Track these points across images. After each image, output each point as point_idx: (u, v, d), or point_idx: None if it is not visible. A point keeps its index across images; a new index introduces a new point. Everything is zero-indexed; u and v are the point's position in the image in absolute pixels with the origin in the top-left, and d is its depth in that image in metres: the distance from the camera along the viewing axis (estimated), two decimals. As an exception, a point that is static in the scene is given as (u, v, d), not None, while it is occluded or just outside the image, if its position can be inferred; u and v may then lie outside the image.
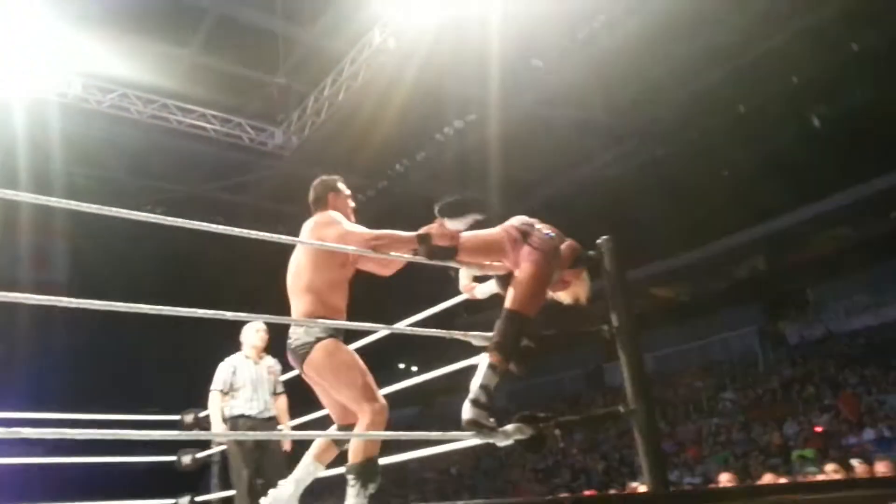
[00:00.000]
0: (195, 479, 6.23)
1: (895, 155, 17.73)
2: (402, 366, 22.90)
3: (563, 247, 2.90)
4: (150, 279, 18.46)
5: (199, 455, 5.47)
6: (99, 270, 18.41)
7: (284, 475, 4.34)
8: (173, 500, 5.38)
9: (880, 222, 19.84)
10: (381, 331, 3.35)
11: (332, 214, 3.30)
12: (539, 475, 17.67)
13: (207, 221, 2.51)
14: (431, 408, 25.54)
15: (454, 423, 2.75)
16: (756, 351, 19.54)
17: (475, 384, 2.70)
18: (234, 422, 4.71)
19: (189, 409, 5.50)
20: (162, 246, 17.91)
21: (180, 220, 2.36)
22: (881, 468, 4.87)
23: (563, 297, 3.07)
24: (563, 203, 18.43)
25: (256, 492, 4.27)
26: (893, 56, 15.63)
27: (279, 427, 4.87)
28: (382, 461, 3.06)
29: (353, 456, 2.88)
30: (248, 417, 4.70)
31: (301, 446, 4.96)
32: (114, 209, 2.18)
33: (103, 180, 16.15)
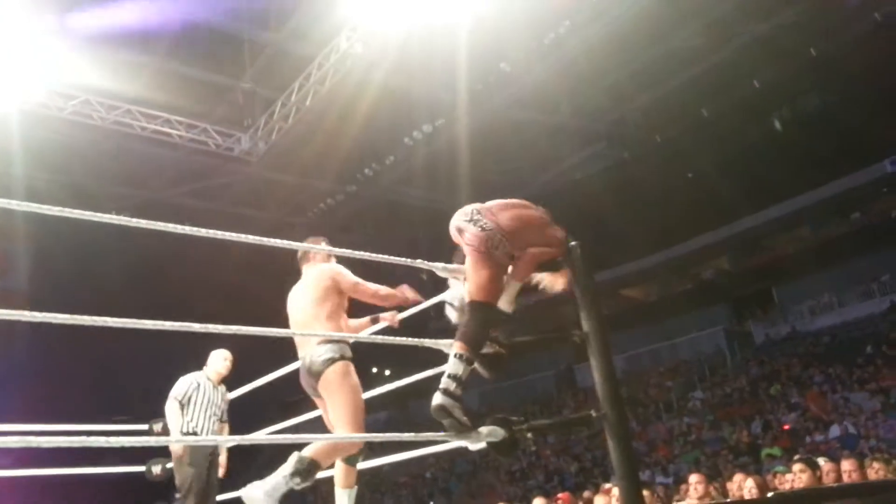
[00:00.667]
0: (166, 489, 6.15)
1: (855, 158, 18.18)
2: (375, 370, 22.81)
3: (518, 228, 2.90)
4: (115, 284, 18.23)
5: (169, 465, 5.40)
6: (63, 276, 18.11)
7: (214, 496, 4.81)
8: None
9: (842, 223, 20.31)
10: (354, 339, 3.39)
11: (340, 267, 3.63)
12: (513, 477, 17.72)
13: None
14: (405, 411, 25.50)
15: (427, 426, 2.75)
16: (724, 350, 19.83)
17: (445, 375, 2.71)
18: (188, 437, 4.85)
19: (158, 418, 5.46)
20: (128, 251, 17.63)
21: (144, 221, 2.30)
22: (847, 465, 4.95)
23: (548, 282, 3.01)
24: (534, 203, 18.48)
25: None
26: (851, 62, 16.01)
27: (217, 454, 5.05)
28: (361, 466, 3.10)
29: (308, 451, 3.03)
30: (195, 435, 4.85)
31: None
32: (75, 211, 2.13)
33: (66, 186, 15.84)
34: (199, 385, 4.96)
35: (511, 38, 14.35)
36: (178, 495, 4.83)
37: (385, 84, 14.14)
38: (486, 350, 2.80)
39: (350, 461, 3.37)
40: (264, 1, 13.63)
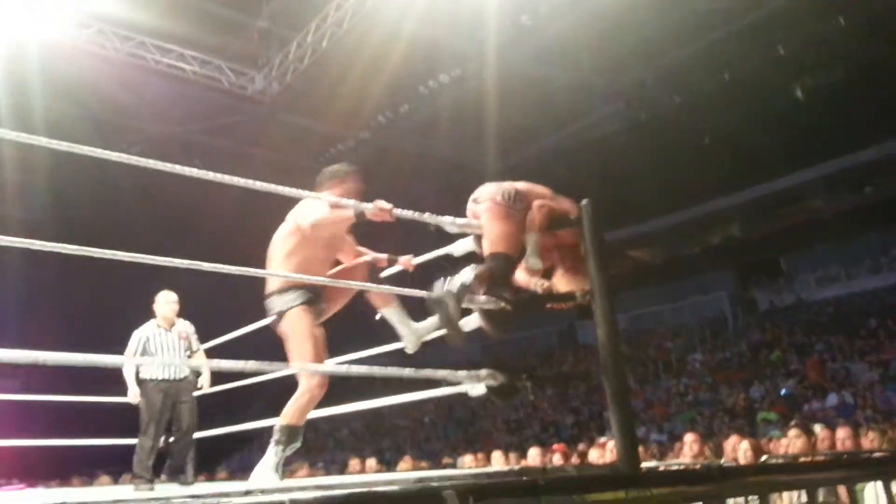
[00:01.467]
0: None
1: (872, 131, 17.92)
2: (378, 317, 23.01)
3: (535, 204, 2.99)
4: (131, 215, 18.39)
5: (140, 404, 5.59)
6: (79, 206, 18.25)
7: (194, 428, 5.08)
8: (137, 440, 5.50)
9: (854, 196, 20.13)
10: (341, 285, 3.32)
11: (308, 203, 3.33)
12: (510, 426, 18.02)
13: (184, 164, 2.48)
14: (409, 358, 25.82)
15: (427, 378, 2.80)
16: (726, 315, 19.90)
17: (455, 277, 2.80)
18: (144, 385, 5.02)
19: None
20: (143, 183, 17.64)
21: (153, 161, 2.32)
22: (841, 434, 5.02)
23: (561, 284, 3.07)
24: (547, 162, 18.39)
25: (156, 448, 4.92)
26: (878, 34, 15.64)
27: (198, 378, 5.27)
28: (360, 408, 3.23)
29: (282, 419, 3.01)
30: (158, 380, 5.03)
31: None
32: (93, 149, 2.15)
33: (82, 118, 15.81)
34: (148, 338, 5.18)
35: (533, -11, 14.06)
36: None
37: (403, 30, 13.93)
38: (490, 306, 2.84)
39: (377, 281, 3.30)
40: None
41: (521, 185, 3.08)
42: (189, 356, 5.26)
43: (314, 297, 3.16)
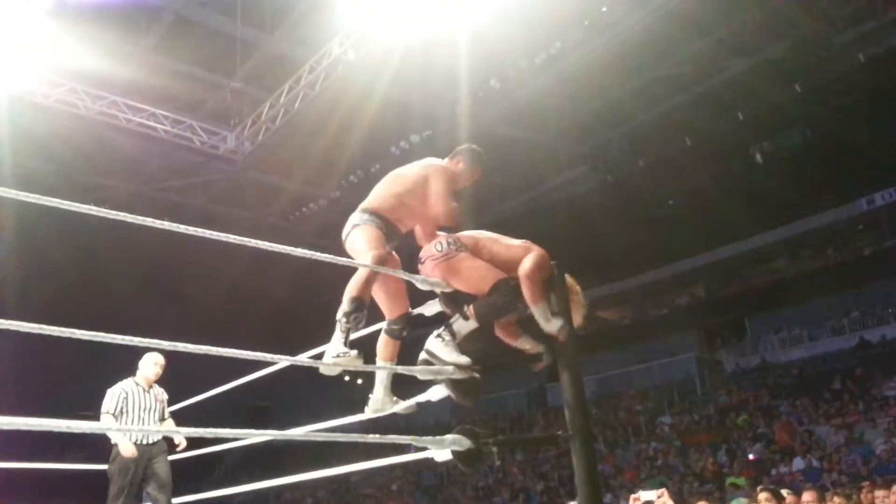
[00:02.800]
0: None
1: (832, 194, 18.51)
2: (346, 379, 22.70)
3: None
4: (102, 272, 18.12)
5: (111, 468, 5.40)
6: (48, 264, 17.93)
7: (168, 497, 4.85)
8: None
9: (816, 259, 20.63)
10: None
11: (455, 174, 3.30)
12: (479, 493, 17.67)
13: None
14: (375, 421, 25.32)
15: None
16: (694, 377, 19.97)
17: (444, 325, 2.89)
18: (117, 448, 4.82)
19: None
20: (115, 240, 17.43)
21: (122, 213, 2.29)
22: (807, 497, 5.02)
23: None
24: (516, 223, 18.59)
25: None
26: (833, 100, 16.33)
27: (174, 439, 5.16)
28: (325, 474, 3.12)
29: (346, 293, 2.92)
30: (137, 444, 4.85)
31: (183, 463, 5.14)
32: (55, 200, 2.12)
33: (51, 174, 15.72)
34: (127, 394, 5.06)
35: (503, 55, 14.48)
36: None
37: (375, 92, 14.20)
38: (459, 376, 2.85)
39: (391, 333, 3.19)
40: (260, 1, 13.63)
41: (465, 237, 3.18)
42: (161, 422, 5.17)
43: (387, 232, 3.10)
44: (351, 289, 2.91)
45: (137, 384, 5.13)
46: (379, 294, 3.13)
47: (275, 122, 14.70)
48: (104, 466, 5.04)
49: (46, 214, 16.03)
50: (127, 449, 4.83)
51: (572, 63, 14.86)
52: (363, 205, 3.20)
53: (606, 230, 20.28)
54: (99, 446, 5.43)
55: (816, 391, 15.38)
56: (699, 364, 20.26)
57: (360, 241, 3.04)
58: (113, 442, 4.91)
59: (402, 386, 3.23)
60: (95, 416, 5.41)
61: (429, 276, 3.07)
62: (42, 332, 1.95)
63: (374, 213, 3.12)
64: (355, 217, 3.15)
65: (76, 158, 16.18)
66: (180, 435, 5.15)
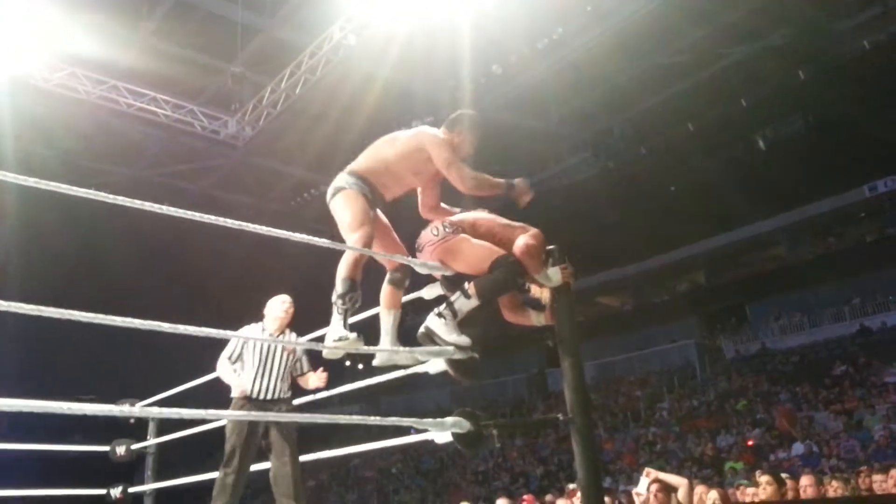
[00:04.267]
0: (129, 470, 6.12)
1: (834, 181, 18.47)
2: (348, 363, 22.79)
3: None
4: (104, 257, 18.15)
5: (134, 447, 5.38)
6: (50, 249, 17.98)
7: (290, 465, 4.07)
8: (105, 491, 5.28)
9: (817, 245, 20.63)
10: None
11: (455, 145, 3.25)
12: (478, 477, 17.77)
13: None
14: (376, 406, 25.49)
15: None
16: (693, 363, 20.04)
17: (445, 303, 2.87)
18: (234, 402, 4.24)
19: (121, 439, 5.39)
20: (118, 225, 17.44)
21: (122, 198, 2.30)
22: (804, 482, 5.05)
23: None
24: (517, 209, 18.57)
25: (241, 484, 4.05)
26: (836, 87, 16.26)
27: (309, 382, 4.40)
28: (325, 455, 3.09)
29: (337, 275, 2.93)
30: (254, 400, 4.20)
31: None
32: (52, 184, 2.13)
33: (52, 159, 15.70)
34: (245, 342, 4.35)
35: (504, 40, 14.40)
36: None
37: (376, 77, 14.16)
38: (459, 356, 2.85)
39: (394, 281, 3.17)
40: (261, -14, 13.58)
41: (462, 218, 3.19)
42: (294, 380, 4.41)
43: (372, 198, 3.07)
44: (342, 270, 2.91)
45: (264, 329, 4.39)
46: (377, 249, 3.10)
47: (276, 108, 14.66)
48: (107, 448, 5.02)
49: (48, 200, 15.97)
50: (237, 385, 4.20)
51: (574, 49, 14.79)
52: (350, 166, 3.17)
53: (608, 217, 20.28)
54: (107, 429, 5.39)
55: (816, 377, 15.43)
56: (699, 350, 20.33)
57: (345, 212, 3.00)
58: (131, 421, 4.49)
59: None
60: (97, 401, 5.42)
61: (428, 261, 3.08)
62: (41, 314, 1.95)
63: (361, 178, 3.09)
64: (341, 179, 3.10)
65: (77, 143, 16.17)
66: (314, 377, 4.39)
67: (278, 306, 4.42)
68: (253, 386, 4.21)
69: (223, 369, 4.32)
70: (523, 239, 2.98)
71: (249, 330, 4.40)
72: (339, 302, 2.85)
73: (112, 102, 14.20)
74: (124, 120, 14.95)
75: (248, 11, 13.80)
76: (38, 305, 1.93)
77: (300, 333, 4.15)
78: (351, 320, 2.89)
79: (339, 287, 2.87)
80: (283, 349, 4.29)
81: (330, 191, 3.12)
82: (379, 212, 3.20)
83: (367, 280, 2.95)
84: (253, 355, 4.27)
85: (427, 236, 3.09)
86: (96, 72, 13.76)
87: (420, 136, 3.19)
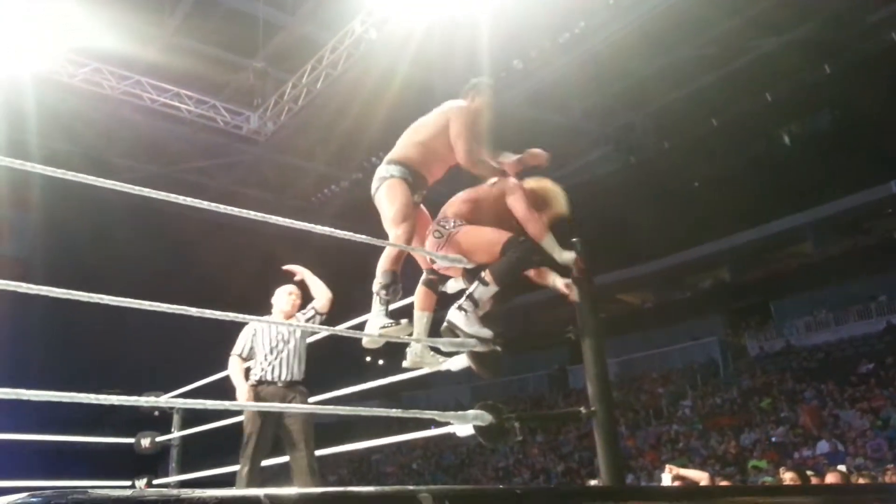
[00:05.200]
0: (154, 462, 6.18)
1: (861, 177, 18.17)
2: (368, 359, 22.87)
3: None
4: (125, 253, 18.35)
5: (159, 439, 5.43)
6: (73, 244, 18.21)
7: (306, 449, 4.02)
8: (131, 482, 5.34)
9: (843, 242, 20.32)
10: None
11: (474, 112, 3.28)
12: (499, 473, 17.76)
13: (176, 203, 2.47)
14: (397, 402, 25.56)
15: (417, 418, 2.78)
16: (717, 361, 19.86)
17: (465, 294, 2.87)
18: (253, 389, 4.23)
19: (146, 431, 5.44)
20: (139, 221, 17.65)
21: (146, 189, 2.32)
22: (831, 479, 4.99)
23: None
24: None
25: (255, 472, 4.04)
26: (863, 81, 16.00)
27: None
28: (345, 449, 3.10)
29: (378, 269, 2.98)
30: (268, 383, 4.22)
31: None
32: (80, 175, 2.16)
33: (76, 155, 15.90)
34: (255, 331, 4.38)
35: (526, 35, 14.33)
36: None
37: (396, 72, 14.15)
38: (480, 349, 2.84)
39: (428, 283, 3.19)
40: (282, -18, 13.64)
41: (441, 214, 3.17)
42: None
43: (415, 183, 3.12)
44: (384, 262, 2.96)
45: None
46: (414, 244, 3.11)
47: (297, 103, 14.71)
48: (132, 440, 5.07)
49: (71, 196, 16.29)
50: (241, 391, 4.23)
51: (596, 43, 14.69)
52: (389, 155, 3.20)
53: (630, 212, 20.12)
54: (132, 422, 5.42)
55: (842, 375, 15.22)
56: (723, 347, 20.14)
57: (389, 204, 3.04)
58: (155, 412, 4.69)
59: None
60: (122, 394, 5.46)
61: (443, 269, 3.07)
62: (70, 296, 1.97)
63: (401, 164, 3.12)
64: (382, 170, 3.14)
65: (100, 140, 16.37)
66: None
67: (284, 297, 4.47)
68: (270, 371, 4.23)
69: (233, 368, 4.36)
70: (515, 206, 3.02)
71: (256, 323, 4.34)
72: (383, 293, 2.90)
73: (136, 98, 14.33)
74: (147, 116, 15.10)
75: (269, 7, 13.87)
76: (58, 304, 1.95)
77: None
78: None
79: (381, 278, 2.92)
80: (294, 332, 4.33)
81: (374, 183, 3.16)
82: (423, 207, 3.23)
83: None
84: (263, 345, 4.31)
85: (432, 242, 3.05)
86: (120, 67, 13.90)
87: (447, 111, 3.24)
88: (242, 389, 4.24)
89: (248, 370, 4.37)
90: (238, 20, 14.15)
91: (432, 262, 3.14)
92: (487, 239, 2.95)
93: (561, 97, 16.94)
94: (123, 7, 12.88)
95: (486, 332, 2.82)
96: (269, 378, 4.22)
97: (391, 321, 2.84)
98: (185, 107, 14.86)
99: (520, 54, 14.94)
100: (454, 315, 2.85)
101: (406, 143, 3.22)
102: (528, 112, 16.69)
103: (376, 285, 2.93)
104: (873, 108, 16.45)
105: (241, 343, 4.39)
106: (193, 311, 2.15)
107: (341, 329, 2.89)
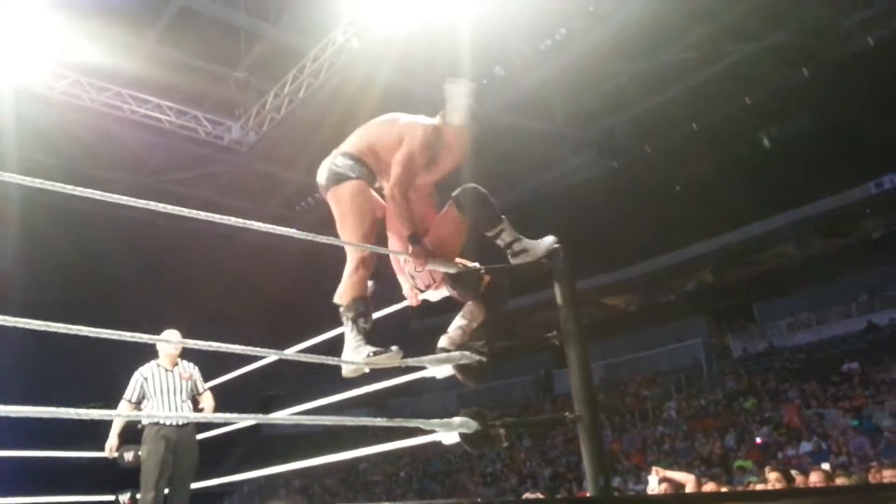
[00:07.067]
0: (137, 476, 6.12)
1: (840, 178, 18.39)
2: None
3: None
4: (105, 266, 18.20)
5: (142, 452, 5.39)
6: (52, 258, 18.02)
7: (190, 482, 4.74)
8: (114, 496, 5.28)
9: (824, 242, 20.54)
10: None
11: (436, 129, 3.12)
12: (486, 479, 17.74)
13: (158, 214, 2.46)
14: (383, 410, 25.44)
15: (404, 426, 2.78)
16: (701, 362, 19.97)
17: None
18: (147, 430, 4.75)
19: (129, 445, 5.43)
20: (119, 234, 17.55)
21: (128, 198, 2.31)
22: (815, 478, 5.04)
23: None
24: (522, 210, 18.60)
25: (160, 499, 4.55)
26: (841, 84, 16.21)
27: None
28: (332, 460, 3.08)
29: (341, 298, 2.87)
30: (161, 426, 4.72)
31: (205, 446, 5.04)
32: (58, 185, 2.16)
33: (56, 168, 15.76)
34: (146, 378, 4.91)
35: (508, 42, 14.41)
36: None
37: (379, 80, 14.15)
38: (466, 361, 2.84)
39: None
40: (262, -9, 13.62)
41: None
42: (194, 399, 5.01)
43: (372, 178, 2.98)
44: (351, 291, 2.84)
45: (159, 365, 4.99)
46: (392, 236, 3.07)
47: (279, 112, 14.69)
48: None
49: (50, 208, 16.14)
50: (110, 443, 4.82)
51: (577, 49, 14.80)
52: (346, 148, 3.08)
53: (613, 216, 20.23)
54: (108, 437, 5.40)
55: (824, 375, 15.37)
56: (707, 349, 20.27)
57: (348, 213, 2.89)
58: (139, 426, 4.84)
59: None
60: (105, 407, 5.42)
61: (433, 287, 3.07)
62: (48, 329, 1.97)
63: (359, 160, 3.00)
64: (340, 164, 2.99)
65: (81, 152, 16.23)
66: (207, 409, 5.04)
67: (167, 344, 4.90)
68: (166, 415, 4.82)
69: (120, 409, 4.87)
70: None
71: (147, 368, 4.95)
72: (361, 321, 2.80)
73: (116, 109, 14.25)
74: (128, 127, 15.02)
75: (251, 17, 13.84)
76: (40, 316, 1.95)
77: (288, 342, 4.15)
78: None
79: (351, 310, 2.81)
80: (181, 377, 4.95)
81: (328, 176, 3.06)
82: (376, 196, 3.10)
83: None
84: (155, 390, 4.86)
85: (420, 279, 3.06)
86: (101, 79, 13.81)
87: (404, 128, 3.18)
88: (112, 442, 4.84)
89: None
90: (219, 30, 14.10)
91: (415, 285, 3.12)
92: (446, 248, 2.98)
93: (542, 103, 17.04)
94: (104, 19, 12.79)
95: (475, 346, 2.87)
96: (167, 422, 4.72)
97: (377, 348, 2.74)
98: (166, 118, 14.79)
99: (501, 61, 15.02)
100: (444, 342, 2.91)
101: (363, 140, 3.12)
102: (510, 118, 16.76)
103: (347, 315, 2.83)
104: (852, 111, 16.67)
105: (130, 390, 4.92)
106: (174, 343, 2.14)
107: (324, 358, 2.81)
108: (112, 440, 4.83)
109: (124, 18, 13.35)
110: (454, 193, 3.02)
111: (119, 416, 5.02)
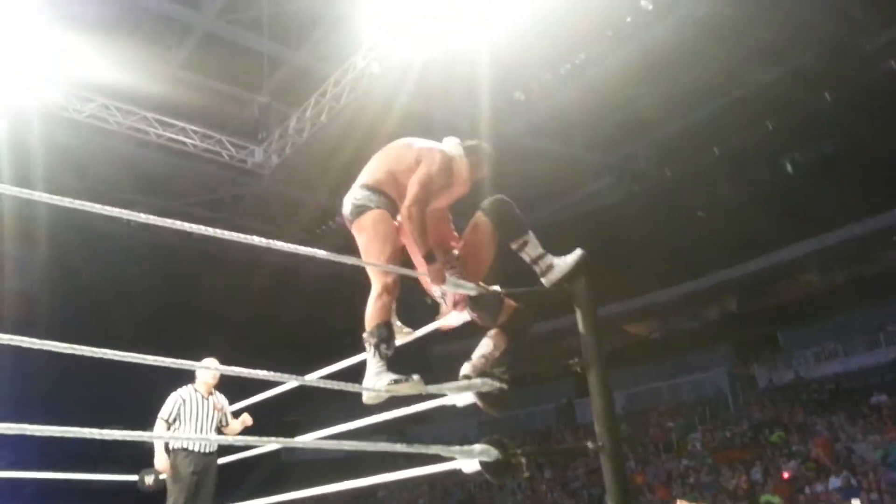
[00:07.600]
0: (157, 500, 6.07)
1: (865, 205, 18.12)
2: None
3: None
4: (131, 289, 18.35)
5: (162, 476, 5.36)
6: (78, 280, 18.23)
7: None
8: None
9: (850, 271, 20.19)
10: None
11: (451, 157, 3.20)
12: (505, 509, 17.49)
13: (183, 237, 2.44)
14: (402, 437, 25.23)
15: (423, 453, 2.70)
16: (726, 392, 19.59)
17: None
18: (175, 454, 4.83)
19: (150, 468, 5.44)
20: (144, 255, 17.71)
21: (167, 220, 2.29)
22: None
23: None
24: (543, 234, 18.47)
25: None
26: (865, 109, 16.02)
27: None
28: (351, 486, 3.06)
29: (367, 324, 2.85)
30: (189, 451, 4.83)
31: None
32: (87, 204, 2.14)
33: (82, 192, 15.95)
34: (185, 401, 5.02)
35: (527, 67, 14.43)
36: None
37: (398, 105, 14.22)
38: (487, 389, 2.79)
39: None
40: (286, 18, 13.79)
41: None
42: (220, 430, 5.16)
43: (394, 208, 2.98)
44: (376, 316, 2.83)
45: (196, 391, 5.10)
46: (416, 262, 3.05)
47: (301, 136, 14.80)
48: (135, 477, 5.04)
49: (77, 232, 16.33)
50: (159, 462, 4.86)
51: (597, 74, 14.77)
52: (365, 180, 3.07)
53: (634, 242, 20.06)
54: (136, 459, 5.41)
55: (853, 406, 15.00)
56: (731, 379, 19.87)
57: (372, 241, 2.90)
58: (169, 449, 4.90)
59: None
60: (126, 430, 5.38)
61: (458, 309, 3.04)
62: (74, 352, 1.95)
63: (379, 191, 2.99)
64: (360, 197, 3.00)
65: (107, 175, 16.43)
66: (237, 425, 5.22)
67: (206, 371, 5.00)
68: (197, 442, 4.90)
69: (158, 428, 4.97)
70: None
71: (185, 391, 5.08)
72: (383, 347, 2.77)
73: (142, 133, 14.45)
74: (153, 151, 15.20)
75: (273, 43, 14.02)
76: (64, 337, 1.93)
77: (308, 367, 4.11)
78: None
79: (375, 336, 2.79)
80: (213, 407, 5.11)
81: (352, 208, 3.05)
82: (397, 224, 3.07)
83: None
84: (190, 415, 4.99)
85: (455, 316, 3.07)
86: (126, 103, 14.03)
87: (421, 151, 3.22)
88: (162, 456, 4.90)
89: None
90: (242, 55, 14.29)
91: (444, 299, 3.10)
92: (475, 269, 3.01)
93: (562, 128, 17.01)
94: (129, 44, 13.04)
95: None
96: (191, 448, 4.82)
97: (400, 376, 2.69)
98: (190, 141, 14.97)
99: (521, 86, 15.04)
100: (467, 369, 2.87)
101: (381, 167, 3.12)
102: (530, 143, 16.75)
103: (370, 342, 2.80)
104: (875, 136, 16.44)
105: (169, 409, 5.01)
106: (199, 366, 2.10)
107: (345, 384, 2.74)
108: (162, 458, 4.89)
109: (149, 44, 13.61)
110: (482, 204, 3.10)
111: (151, 437, 5.12)
